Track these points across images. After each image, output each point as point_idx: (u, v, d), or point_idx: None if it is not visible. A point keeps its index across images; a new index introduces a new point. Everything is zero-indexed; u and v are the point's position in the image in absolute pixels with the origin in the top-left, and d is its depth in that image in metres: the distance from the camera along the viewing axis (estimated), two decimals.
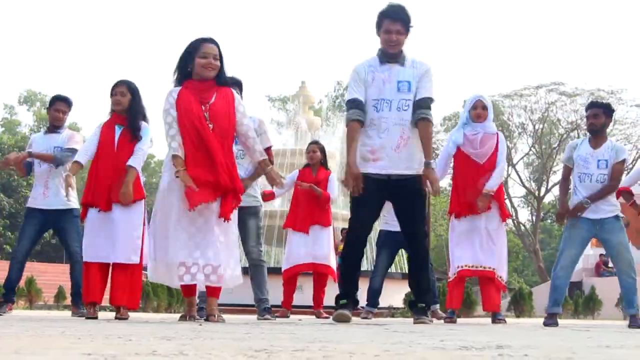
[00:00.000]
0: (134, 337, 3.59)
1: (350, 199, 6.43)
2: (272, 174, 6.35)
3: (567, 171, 8.03)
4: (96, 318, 6.80)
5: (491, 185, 7.72)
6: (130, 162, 6.69)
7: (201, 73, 5.99)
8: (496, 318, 8.04)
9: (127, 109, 6.95)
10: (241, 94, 7.21)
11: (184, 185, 5.77)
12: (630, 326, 7.53)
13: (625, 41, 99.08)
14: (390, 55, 6.31)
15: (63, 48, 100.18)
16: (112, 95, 7.02)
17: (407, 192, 6.23)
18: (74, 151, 7.90)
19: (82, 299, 7.93)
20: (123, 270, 6.79)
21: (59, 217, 8.26)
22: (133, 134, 6.87)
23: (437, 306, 9.69)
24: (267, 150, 7.17)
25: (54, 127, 8.31)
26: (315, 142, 9.91)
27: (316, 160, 9.43)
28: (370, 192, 6.21)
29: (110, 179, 6.83)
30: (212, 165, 5.84)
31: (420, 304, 6.36)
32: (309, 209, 9.41)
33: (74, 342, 3.13)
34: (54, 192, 8.17)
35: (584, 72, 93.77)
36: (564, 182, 8.16)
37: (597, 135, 7.91)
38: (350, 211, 6.44)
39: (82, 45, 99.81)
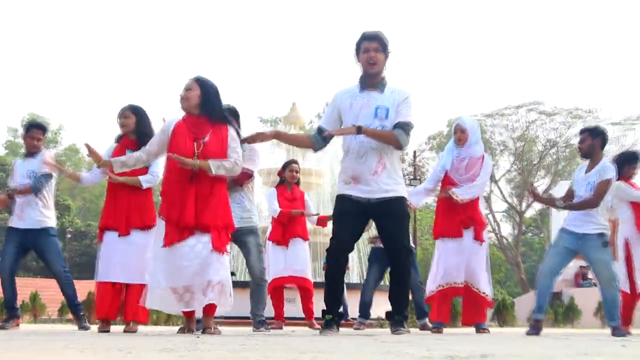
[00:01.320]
0: (135, 349, 3.58)
1: (333, 220, 6.42)
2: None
3: (570, 192, 7.99)
4: (108, 331, 6.84)
5: (460, 192, 7.68)
6: (141, 177, 6.79)
7: (180, 104, 6.07)
8: (480, 328, 8.03)
9: (134, 131, 6.97)
10: (238, 121, 7.13)
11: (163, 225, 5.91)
12: (613, 334, 7.53)
13: (601, 62, 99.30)
14: (371, 77, 6.21)
15: (62, 74, 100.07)
16: (118, 119, 7.08)
17: (389, 213, 6.18)
18: (47, 176, 8.05)
19: (82, 312, 7.96)
20: (138, 289, 6.84)
21: (35, 237, 8.17)
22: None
23: (427, 319, 9.69)
24: (246, 174, 7.30)
25: (30, 152, 8.28)
26: (294, 161, 9.93)
27: (295, 180, 9.56)
28: (351, 214, 6.20)
29: (127, 203, 6.88)
30: (193, 205, 5.85)
31: (397, 316, 6.33)
32: (289, 225, 9.53)
33: (76, 355, 3.13)
34: (29, 213, 8.11)
35: (562, 91, 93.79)
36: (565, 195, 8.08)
37: (590, 158, 7.94)
38: (333, 229, 6.41)
39: (80, 72, 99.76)
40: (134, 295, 6.89)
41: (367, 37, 6.20)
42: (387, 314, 6.46)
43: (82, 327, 8.05)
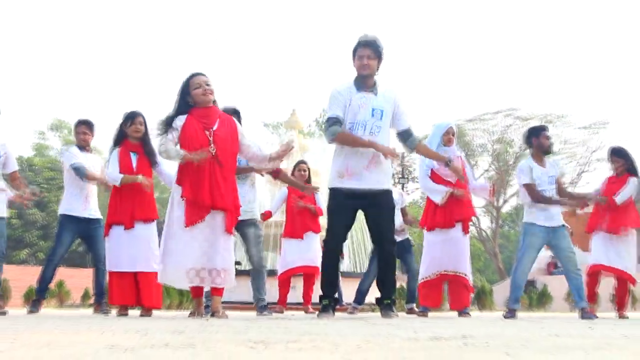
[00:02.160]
0: (150, 331, 3.58)
1: (327, 212, 6.40)
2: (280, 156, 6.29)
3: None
4: (126, 315, 6.90)
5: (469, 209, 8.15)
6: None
7: (202, 101, 5.85)
8: (462, 312, 8.05)
9: (141, 137, 6.95)
10: (240, 121, 7.09)
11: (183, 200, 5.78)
12: (582, 317, 7.53)
13: (571, 72, 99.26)
14: (364, 80, 6.19)
15: (84, 84, 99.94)
16: (130, 124, 6.99)
17: (376, 204, 6.17)
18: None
19: (104, 300, 7.92)
20: (147, 277, 6.84)
21: (90, 226, 8.06)
22: (152, 160, 6.92)
23: (414, 304, 9.70)
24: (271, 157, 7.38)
25: (82, 147, 8.14)
26: (303, 162, 9.93)
27: (305, 178, 9.49)
28: (343, 205, 6.18)
29: (131, 200, 6.86)
30: (208, 188, 5.74)
31: (386, 301, 6.31)
32: (303, 219, 9.51)
33: (98, 336, 3.12)
34: (92, 204, 8.08)
35: (536, 98, 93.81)
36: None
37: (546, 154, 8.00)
38: (327, 221, 6.37)
39: (97, 82, 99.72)
40: (145, 283, 6.90)
41: (362, 44, 6.18)
42: (377, 299, 6.43)
43: (103, 311, 7.99)
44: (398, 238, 9.06)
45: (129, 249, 6.89)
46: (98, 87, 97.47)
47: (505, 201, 50.53)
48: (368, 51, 6.15)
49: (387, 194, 6.23)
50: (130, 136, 7.01)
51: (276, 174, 7.55)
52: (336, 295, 6.42)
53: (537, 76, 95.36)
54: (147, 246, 6.90)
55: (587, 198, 8.44)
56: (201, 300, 6.24)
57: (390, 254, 6.32)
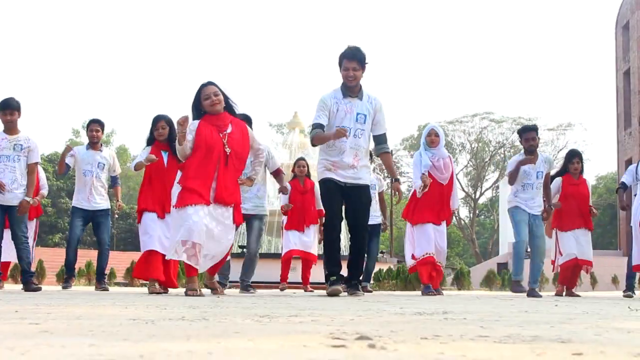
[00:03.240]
0: (168, 306, 3.59)
1: (322, 198, 6.43)
2: (283, 182, 7.27)
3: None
4: (159, 293, 6.82)
5: (456, 205, 8.05)
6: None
7: (211, 111, 5.76)
8: (438, 291, 8.00)
9: (167, 138, 6.93)
10: (251, 126, 7.11)
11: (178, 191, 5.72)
12: (528, 295, 7.57)
13: (539, 80, 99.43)
14: (350, 89, 6.17)
15: (114, 88, 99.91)
16: (155, 129, 6.97)
17: (355, 196, 6.21)
18: (116, 178, 8.64)
19: (104, 278, 8.44)
20: (172, 262, 6.86)
21: (97, 215, 8.29)
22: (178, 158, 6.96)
23: (368, 284, 9.99)
24: (278, 170, 7.69)
25: (93, 143, 8.32)
26: (302, 159, 9.97)
27: (304, 173, 9.54)
28: (334, 190, 6.20)
29: (163, 192, 6.84)
30: (210, 180, 5.64)
31: (353, 280, 6.29)
32: (300, 214, 9.61)
33: (122, 310, 3.13)
34: (95, 198, 8.25)
35: (508, 103, 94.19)
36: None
37: (534, 153, 8.02)
38: (323, 204, 6.48)
39: (127, 88, 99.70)
40: (168, 266, 6.90)
41: (347, 57, 6.14)
42: (345, 279, 6.36)
43: (102, 288, 8.23)
44: (372, 220, 9.17)
45: (160, 234, 6.86)
46: (125, 93, 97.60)
47: (481, 194, 50.74)
48: (354, 63, 6.12)
49: (366, 188, 6.28)
50: (157, 138, 6.99)
51: (276, 173, 7.78)
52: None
53: (510, 82, 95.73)
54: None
55: (551, 206, 8.33)
56: (195, 279, 6.03)
57: (363, 241, 6.37)
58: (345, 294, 6.18)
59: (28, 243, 7.35)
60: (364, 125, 6.15)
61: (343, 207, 6.39)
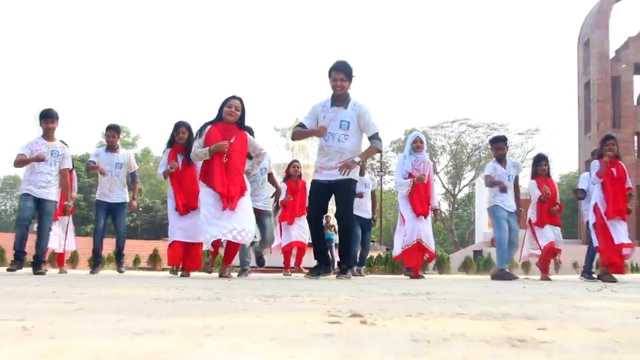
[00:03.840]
0: (186, 287, 3.59)
1: (309, 196, 6.56)
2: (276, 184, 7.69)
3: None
4: (177, 274, 7.03)
5: (435, 203, 8.12)
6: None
7: (225, 118, 5.90)
8: (420, 275, 8.03)
9: (186, 142, 6.97)
10: (252, 134, 7.29)
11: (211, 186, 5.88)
12: (494, 278, 7.67)
13: (510, 88, 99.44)
14: (338, 98, 6.19)
15: (139, 96, 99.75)
16: (177, 133, 7.03)
17: (340, 190, 6.23)
18: (135, 174, 8.62)
19: (121, 260, 8.56)
20: (197, 246, 6.93)
21: (117, 207, 8.33)
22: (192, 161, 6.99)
23: (363, 268, 9.99)
24: (270, 174, 7.94)
25: (111, 147, 8.36)
26: (296, 161, 10.21)
27: (298, 173, 9.67)
28: (319, 192, 6.29)
29: (178, 188, 6.95)
30: (218, 181, 5.80)
31: (343, 265, 6.32)
32: (292, 209, 9.71)
33: (146, 291, 3.13)
34: (116, 192, 8.31)
35: (483, 110, 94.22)
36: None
37: (503, 159, 8.18)
38: (308, 203, 6.59)
39: (150, 95, 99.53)
40: (190, 251, 6.98)
41: (335, 68, 6.17)
42: (338, 263, 6.48)
43: (120, 271, 8.43)
44: (363, 215, 9.44)
45: (184, 226, 6.96)
46: (149, 100, 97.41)
47: (460, 190, 50.76)
48: (341, 74, 6.14)
49: (350, 182, 6.25)
50: (177, 141, 7.05)
51: (269, 176, 7.99)
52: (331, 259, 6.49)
53: (485, 92, 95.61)
54: (196, 223, 6.99)
55: (520, 208, 8.34)
56: (212, 261, 6.32)
57: (348, 228, 6.35)
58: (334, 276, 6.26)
59: (49, 235, 7.39)
60: (347, 131, 6.16)
61: (331, 200, 6.48)
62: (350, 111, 6.19)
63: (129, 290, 3.28)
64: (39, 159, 6.99)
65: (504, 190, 7.97)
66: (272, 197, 8.20)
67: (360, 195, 9.06)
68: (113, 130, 8.40)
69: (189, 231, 6.93)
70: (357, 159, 6.18)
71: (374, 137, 6.27)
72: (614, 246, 7.25)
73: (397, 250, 8.11)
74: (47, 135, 7.18)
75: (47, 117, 7.13)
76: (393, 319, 1.77)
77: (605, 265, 7.34)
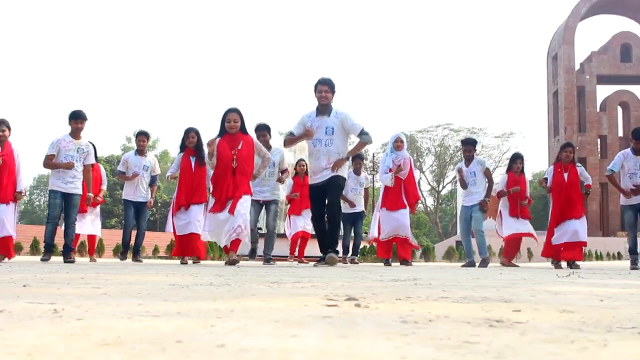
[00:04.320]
0: (199, 274, 3.59)
1: (309, 196, 6.69)
2: (283, 177, 7.56)
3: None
4: (187, 264, 7.05)
5: (418, 195, 8.20)
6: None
7: (229, 131, 6.16)
8: (407, 263, 8.04)
9: (195, 145, 7.06)
10: (270, 132, 7.60)
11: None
12: (479, 266, 7.62)
13: (489, 96, 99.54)
14: (322, 108, 6.34)
15: (159, 102, 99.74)
16: (187, 138, 7.16)
17: (329, 185, 6.31)
18: (156, 177, 8.55)
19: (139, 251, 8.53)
20: (196, 237, 6.98)
21: (141, 205, 8.32)
22: (203, 161, 6.99)
23: (357, 256, 9.99)
24: (285, 169, 7.82)
25: (140, 150, 8.40)
26: (302, 160, 10.21)
27: (304, 171, 9.65)
28: (315, 193, 6.43)
29: (189, 188, 7.03)
30: (224, 188, 6.04)
31: (329, 249, 6.31)
32: (300, 202, 9.70)
33: (164, 277, 3.13)
34: (141, 191, 8.29)
35: (464, 115, 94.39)
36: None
37: (470, 160, 8.20)
38: (311, 203, 6.70)
39: (168, 100, 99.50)
40: (195, 241, 7.08)
41: (321, 83, 6.35)
42: (324, 251, 6.52)
43: (138, 260, 8.40)
44: (356, 210, 9.50)
45: (186, 221, 7.03)
46: (166, 107, 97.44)
47: (443, 187, 50.76)
48: (325, 87, 6.32)
49: (337, 177, 6.34)
50: (188, 145, 7.13)
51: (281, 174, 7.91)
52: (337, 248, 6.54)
53: (466, 99, 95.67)
54: (196, 219, 7.03)
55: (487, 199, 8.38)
56: (232, 253, 6.31)
57: (334, 216, 6.41)
58: (340, 264, 6.29)
59: (75, 225, 7.36)
60: (332, 136, 6.30)
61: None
62: (333, 118, 6.34)
63: (148, 277, 3.28)
64: (69, 167, 6.99)
65: (464, 186, 8.14)
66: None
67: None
68: (143, 136, 8.44)
69: (183, 226, 7.06)
70: (345, 157, 6.37)
71: (362, 133, 6.38)
72: (551, 245, 7.53)
73: (372, 235, 8.31)
74: (75, 134, 7.13)
75: (77, 118, 7.09)
76: (384, 302, 1.77)
77: (548, 257, 7.80)
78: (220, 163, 6.10)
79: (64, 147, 7.06)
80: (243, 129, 6.20)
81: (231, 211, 5.99)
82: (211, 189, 6.33)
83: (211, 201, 6.31)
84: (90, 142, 7.46)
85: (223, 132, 6.18)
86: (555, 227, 7.46)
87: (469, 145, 8.31)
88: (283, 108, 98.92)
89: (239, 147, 6.06)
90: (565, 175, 7.43)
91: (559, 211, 7.42)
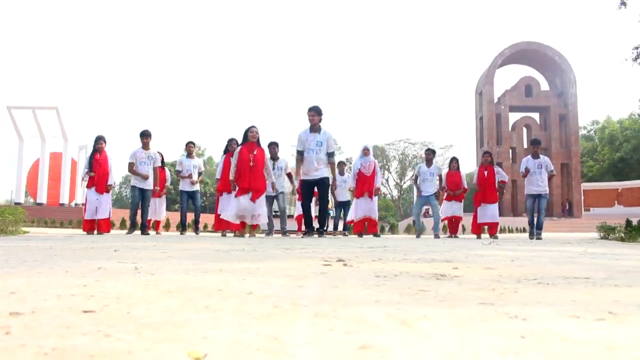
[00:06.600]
0: (235, 243, 3.56)
1: (300, 189, 6.52)
2: (291, 178, 7.06)
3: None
4: (243, 236, 6.72)
5: (378, 184, 7.88)
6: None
7: (251, 139, 5.99)
8: (376, 235, 7.99)
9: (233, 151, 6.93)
10: (278, 146, 7.38)
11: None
12: (435, 237, 7.59)
13: (437, 117, 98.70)
14: (313, 127, 6.25)
15: (208, 117, 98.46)
16: (230, 145, 6.98)
17: (320, 185, 6.25)
18: (201, 174, 8.22)
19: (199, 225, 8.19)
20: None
21: (194, 193, 8.15)
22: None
23: (346, 231, 9.81)
24: (289, 173, 7.55)
25: (189, 154, 8.24)
26: None
27: None
28: (306, 186, 6.30)
29: (226, 180, 6.85)
30: (246, 180, 5.87)
31: (320, 229, 6.28)
32: None
33: (210, 245, 3.11)
34: (191, 185, 8.10)
35: (420, 131, 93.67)
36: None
37: (431, 163, 8.12)
38: (301, 194, 6.56)
39: (215, 115, 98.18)
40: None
41: (310, 110, 6.23)
42: (317, 228, 6.45)
43: (197, 233, 8.14)
44: (344, 198, 9.21)
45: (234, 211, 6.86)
46: (212, 120, 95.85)
47: (404, 182, 50.69)
48: (313, 112, 6.22)
49: (325, 179, 6.25)
50: (230, 150, 7.04)
51: (289, 175, 7.72)
52: (321, 228, 6.39)
53: (421, 120, 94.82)
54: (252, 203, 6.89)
55: (442, 189, 8.34)
56: (243, 231, 6.20)
57: (324, 208, 6.35)
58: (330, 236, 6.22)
59: (149, 209, 7.37)
60: (321, 147, 6.24)
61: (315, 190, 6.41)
62: (322, 135, 6.28)
63: (200, 245, 3.26)
64: (144, 177, 7.10)
65: (423, 182, 8.08)
66: (291, 191, 8.03)
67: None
68: (191, 144, 8.40)
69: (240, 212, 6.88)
70: (330, 176, 6.38)
71: (331, 155, 6.33)
72: (477, 223, 7.79)
73: (350, 218, 8.13)
74: (145, 146, 7.25)
75: (145, 136, 7.25)
76: (364, 262, 1.76)
77: (476, 234, 7.92)
78: (241, 162, 5.98)
79: (139, 156, 7.17)
80: (258, 142, 6.13)
81: (253, 199, 5.89)
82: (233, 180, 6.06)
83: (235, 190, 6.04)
84: (159, 152, 7.46)
85: (244, 141, 6.10)
86: (478, 208, 7.82)
87: (429, 152, 8.41)
88: (295, 124, 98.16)
89: (255, 153, 6.00)
90: (486, 172, 7.80)
91: (481, 197, 7.82)
